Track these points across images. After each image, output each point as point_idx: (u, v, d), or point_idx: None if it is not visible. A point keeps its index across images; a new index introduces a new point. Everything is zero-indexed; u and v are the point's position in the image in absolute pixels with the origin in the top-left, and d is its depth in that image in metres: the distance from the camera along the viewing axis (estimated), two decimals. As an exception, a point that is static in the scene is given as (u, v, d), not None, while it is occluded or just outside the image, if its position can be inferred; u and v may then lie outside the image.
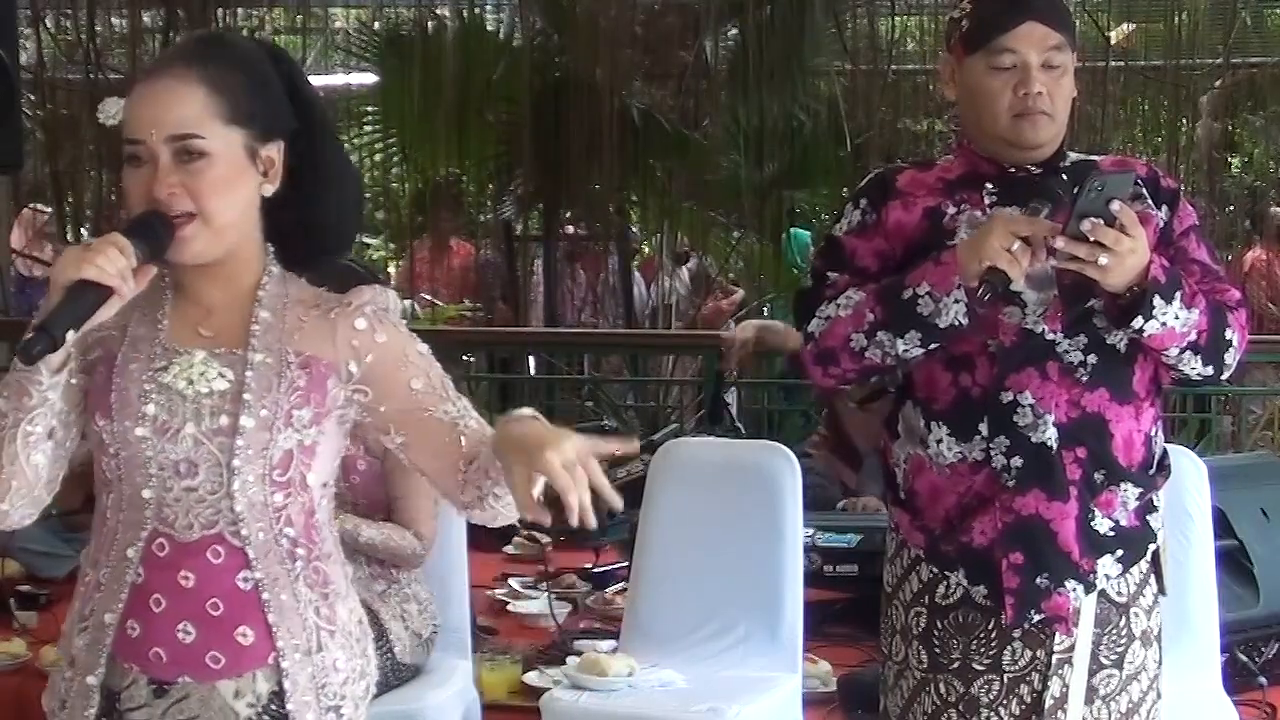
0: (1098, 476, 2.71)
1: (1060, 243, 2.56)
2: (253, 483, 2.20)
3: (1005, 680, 2.72)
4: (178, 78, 2.20)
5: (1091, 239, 2.54)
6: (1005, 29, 2.69)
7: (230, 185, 2.19)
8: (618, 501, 2.13)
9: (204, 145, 2.17)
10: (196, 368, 2.21)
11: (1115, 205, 2.55)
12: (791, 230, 10.16)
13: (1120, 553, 2.74)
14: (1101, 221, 2.54)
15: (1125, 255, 2.56)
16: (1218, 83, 10.98)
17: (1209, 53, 10.48)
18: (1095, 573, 2.71)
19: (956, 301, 2.62)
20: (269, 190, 2.24)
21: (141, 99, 2.20)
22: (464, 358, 9.88)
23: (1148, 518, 2.78)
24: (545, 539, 5.88)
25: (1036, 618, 2.71)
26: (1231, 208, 11.83)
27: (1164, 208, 2.78)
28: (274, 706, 2.23)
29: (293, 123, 2.25)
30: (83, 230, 9.94)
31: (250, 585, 2.21)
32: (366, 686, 2.32)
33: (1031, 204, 2.64)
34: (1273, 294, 10.22)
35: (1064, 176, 2.72)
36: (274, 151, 2.24)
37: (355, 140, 11.74)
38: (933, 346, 2.68)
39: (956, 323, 2.64)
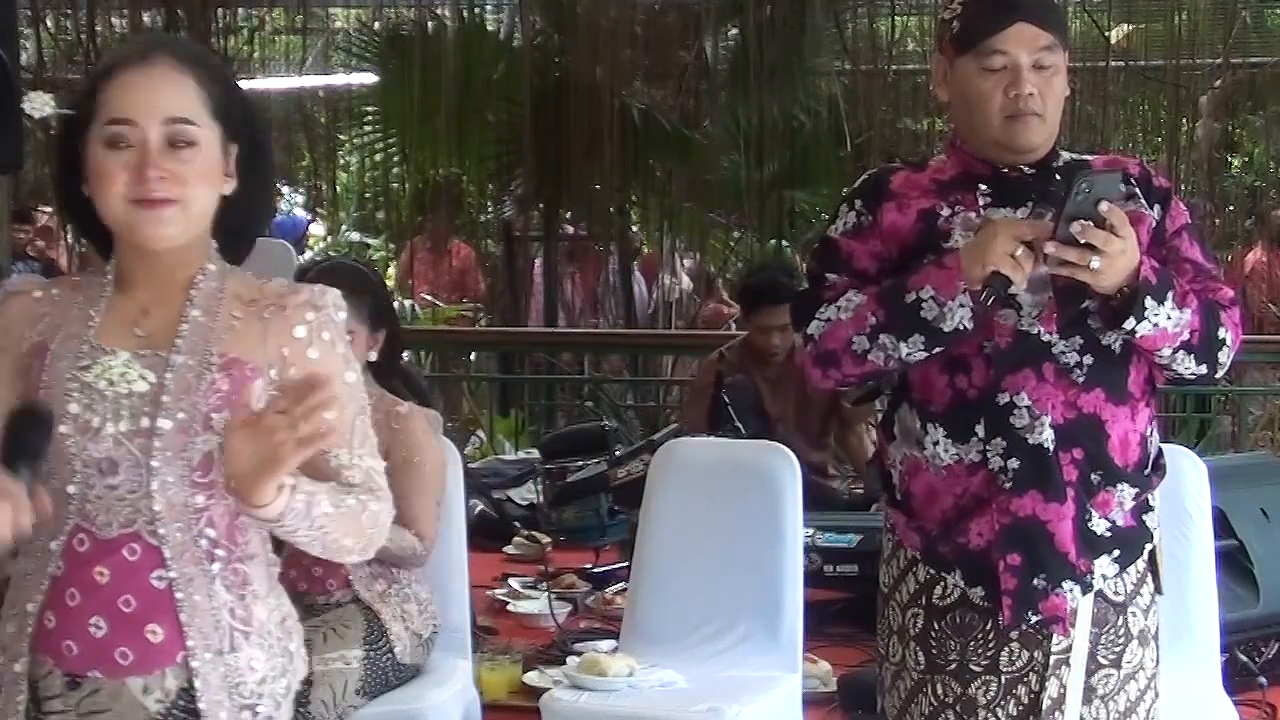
0: (1094, 477, 2.71)
1: (1051, 247, 2.55)
2: (172, 483, 2.21)
3: (1003, 681, 2.72)
4: (171, 67, 2.24)
5: (1082, 241, 2.54)
6: (995, 30, 2.69)
7: (210, 177, 2.24)
8: None
9: (196, 134, 2.22)
10: (117, 369, 2.23)
11: (1104, 206, 2.55)
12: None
13: (1117, 553, 2.74)
14: (1091, 223, 2.54)
15: (1116, 257, 2.55)
16: (1218, 83, 10.98)
17: (1209, 53, 10.49)
18: (1092, 573, 2.71)
19: (961, 306, 2.62)
20: (228, 189, 2.27)
21: (134, 82, 2.23)
22: (464, 358, 9.91)
23: (1144, 517, 2.78)
24: (545, 539, 5.90)
25: (1034, 619, 2.70)
26: (1231, 208, 11.83)
27: (1156, 207, 2.77)
28: (183, 703, 2.24)
29: (241, 129, 2.29)
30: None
31: (164, 584, 2.22)
32: (288, 685, 2.32)
33: (1035, 208, 2.64)
34: (1273, 295, 10.22)
35: (1058, 177, 2.72)
36: (232, 153, 2.28)
37: (355, 140, 11.76)
38: (936, 350, 2.68)
39: (961, 326, 2.63)
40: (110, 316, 2.28)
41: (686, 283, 11.03)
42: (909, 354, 2.68)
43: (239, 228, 2.33)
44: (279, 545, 4.12)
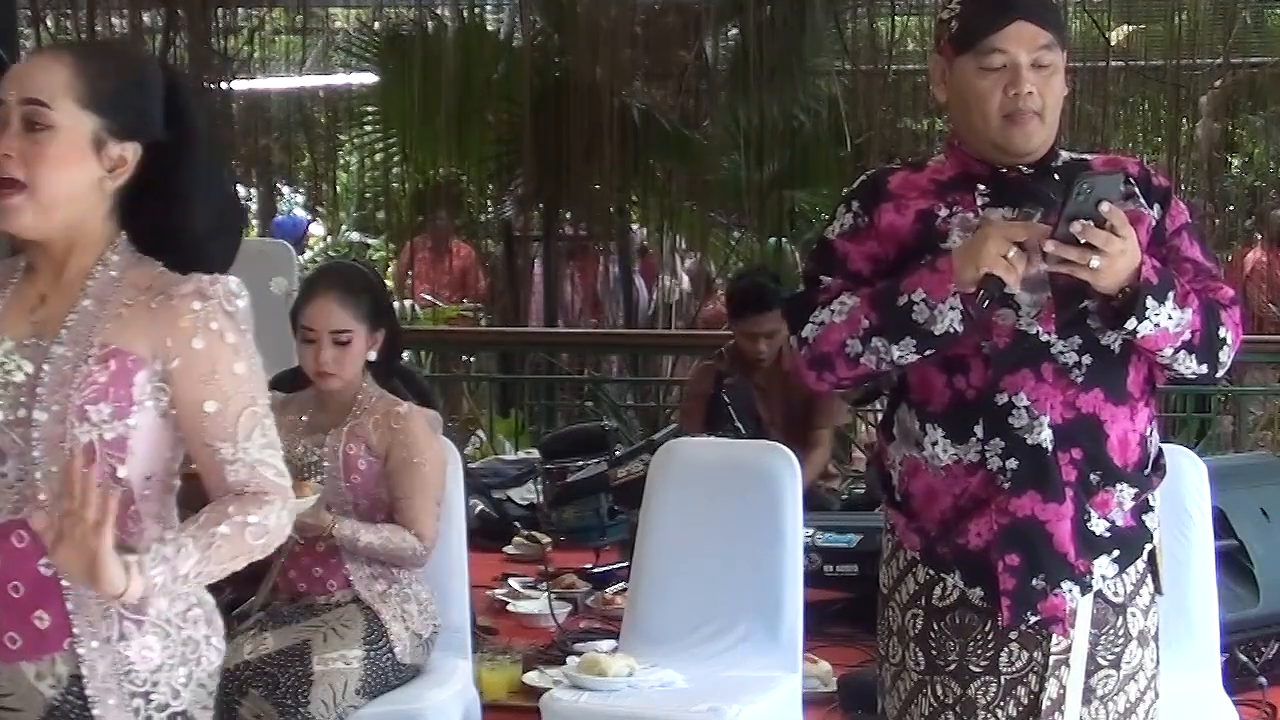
0: (1093, 477, 2.71)
1: (1050, 246, 2.55)
2: (56, 473, 2.22)
3: (1002, 682, 2.72)
4: (51, 55, 2.30)
5: (1082, 241, 2.54)
6: (994, 29, 2.68)
7: (65, 165, 2.24)
8: None
9: (50, 117, 2.24)
10: None
11: (1105, 206, 2.55)
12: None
13: (1116, 553, 2.73)
14: (1091, 223, 2.54)
15: (1116, 256, 2.55)
16: (1218, 83, 10.98)
17: (1209, 53, 10.49)
18: (1091, 574, 2.71)
19: (952, 309, 2.62)
20: (111, 185, 2.28)
21: (15, 68, 2.30)
22: (465, 358, 9.90)
23: (1144, 517, 2.78)
24: (545, 539, 5.90)
25: (1033, 619, 2.70)
26: (1231, 208, 11.83)
27: (1156, 206, 2.77)
28: (75, 689, 2.26)
29: (160, 134, 2.29)
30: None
31: (51, 572, 2.23)
32: (189, 673, 2.32)
33: (1024, 209, 2.64)
34: (1273, 295, 10.22)
35: (1056, 177, 2.72)
36: (128, 151, 2.29)
37: (355, 140, 11.76)
38: (928, 353, 2.68)
39: (951, 330, 2.63)
40: (13, 303, 2.32)
41: (687, 284, 11.04)
42: (900, 357, 2.68)
43: (175, 228, 2.31)
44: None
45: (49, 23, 9.96)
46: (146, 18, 10.02)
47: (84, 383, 2.22)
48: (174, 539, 2.21)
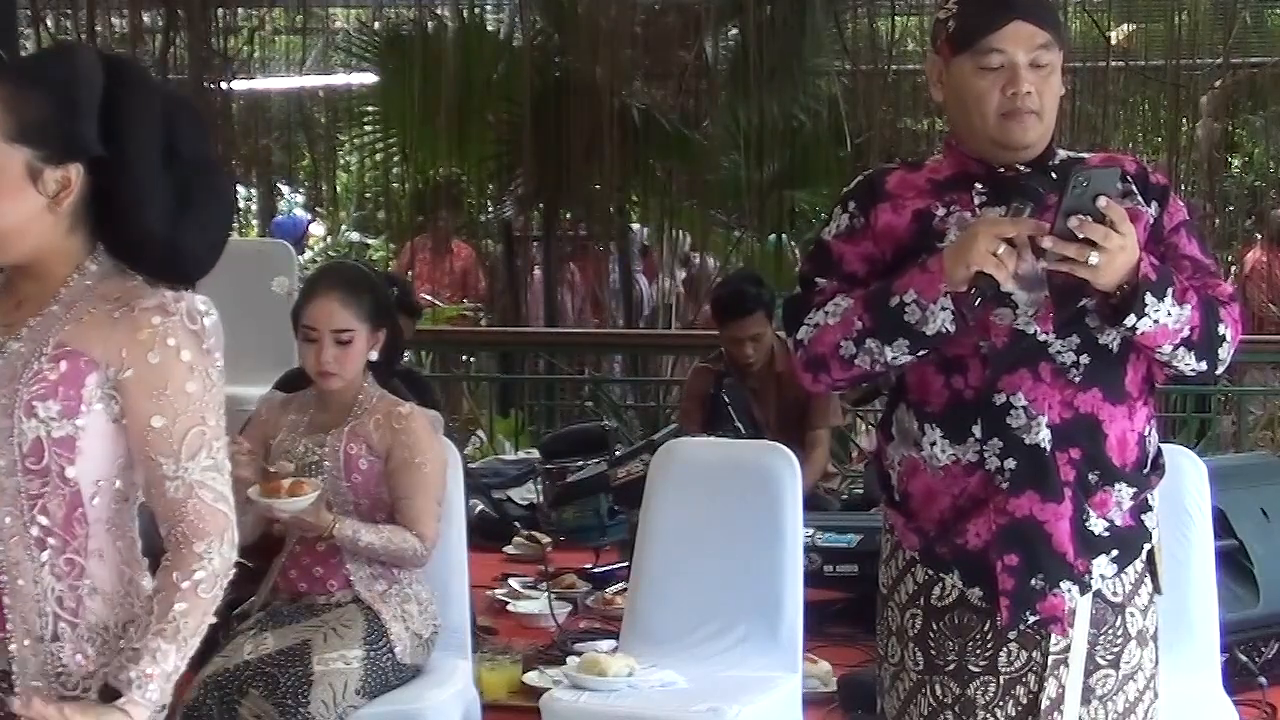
0: (1092, 477, 2.71)
1: (1048, 242, 2.55)
2: (4, 468, 2.24)
3: (1001, 682, 2.72)
4: None
5: (1080, 236, 2.54)
6: (992, 29, 2.68)
7: (2, 202, 2.23)
8: None
9: None
10: None
11: (1102, 201, 2.55)
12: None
13: (1115, 553, 2.73)
14: (1089, 218, 2.54)
15: (1115, 252, 2.55)
16: (1218, 83, 10.98)
17: (1209, 53, 10.48)
18: (1090, 573, 2.71)
19: (943, 309, 2.61)
20: (60, 208, 2.27)
21: None
22: (465, 358, 9.90)
23: (1143, 517, 2.78)
24: (545, 539, 5.90)
25: (1032, 619, 2.70)
26: (1231, 208, 11.82)
27: (1154, 204, 2.76)
28: (4, 685, 2.27)
29: (97, 149, 2.26)
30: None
31: None
32: None
33: (1014, 204, 2.64)
34: (1273, 295, 10.22)
35: (1054, 176, 2.71)
36: (70, 172, 2.26)
37: (355, 140, 11.76)
38: (922, 353, 2.68)
39: (943, 330, 2.63)
40: None
41: (684, 284, 11.04)
42: (894, 357, 2.68)
43: (135, 232, 2.29)
44: (278, 546, 4.14)
45: (49, 23, 9.96)
46: (146, 18, 10.02)
47: (33, 379, 2.24)
48: (144, 645, 2.23)
